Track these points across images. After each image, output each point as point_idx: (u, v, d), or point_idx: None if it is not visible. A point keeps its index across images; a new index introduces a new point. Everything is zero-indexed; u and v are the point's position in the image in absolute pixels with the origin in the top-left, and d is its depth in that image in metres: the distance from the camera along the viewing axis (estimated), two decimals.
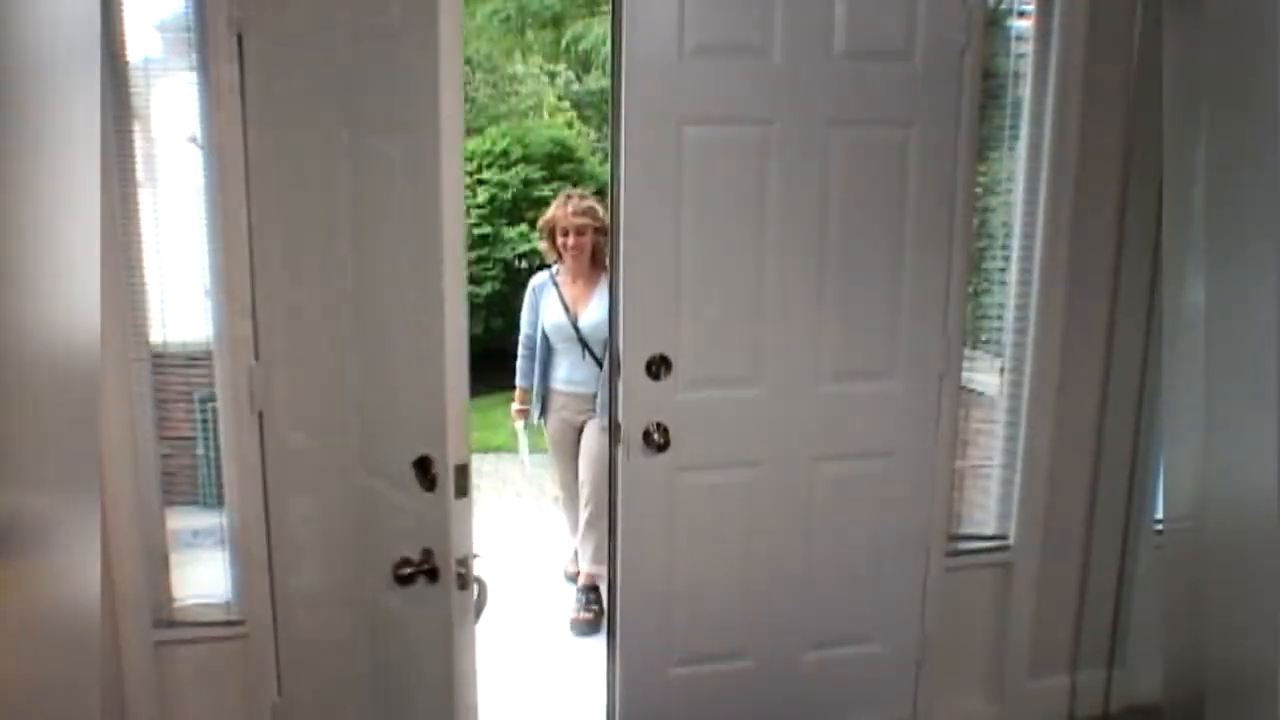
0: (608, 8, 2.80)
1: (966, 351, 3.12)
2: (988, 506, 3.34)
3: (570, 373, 4.17)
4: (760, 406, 2.90)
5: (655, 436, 2.81)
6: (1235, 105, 2.00)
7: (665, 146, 2.70)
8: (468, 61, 11.49)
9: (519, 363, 4.39)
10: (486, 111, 11.21)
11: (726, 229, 2.79)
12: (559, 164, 9.77)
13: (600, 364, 3.96)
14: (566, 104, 11.98)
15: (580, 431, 4.19)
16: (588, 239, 4.06)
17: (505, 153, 9.66)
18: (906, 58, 2.80)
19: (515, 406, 4.46)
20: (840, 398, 2.95)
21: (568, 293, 4.15)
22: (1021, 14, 3.14)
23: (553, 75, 12.25)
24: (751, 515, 2.96)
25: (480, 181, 9.51)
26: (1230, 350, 1.97)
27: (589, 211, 4.08)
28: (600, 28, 10.57)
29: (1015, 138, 3.15)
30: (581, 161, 10.07)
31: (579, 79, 12.21)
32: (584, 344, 4.09)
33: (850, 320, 2.91)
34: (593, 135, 11.44)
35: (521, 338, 4.37)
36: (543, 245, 4.33)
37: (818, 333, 2.89)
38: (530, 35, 11.59)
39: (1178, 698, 2.22)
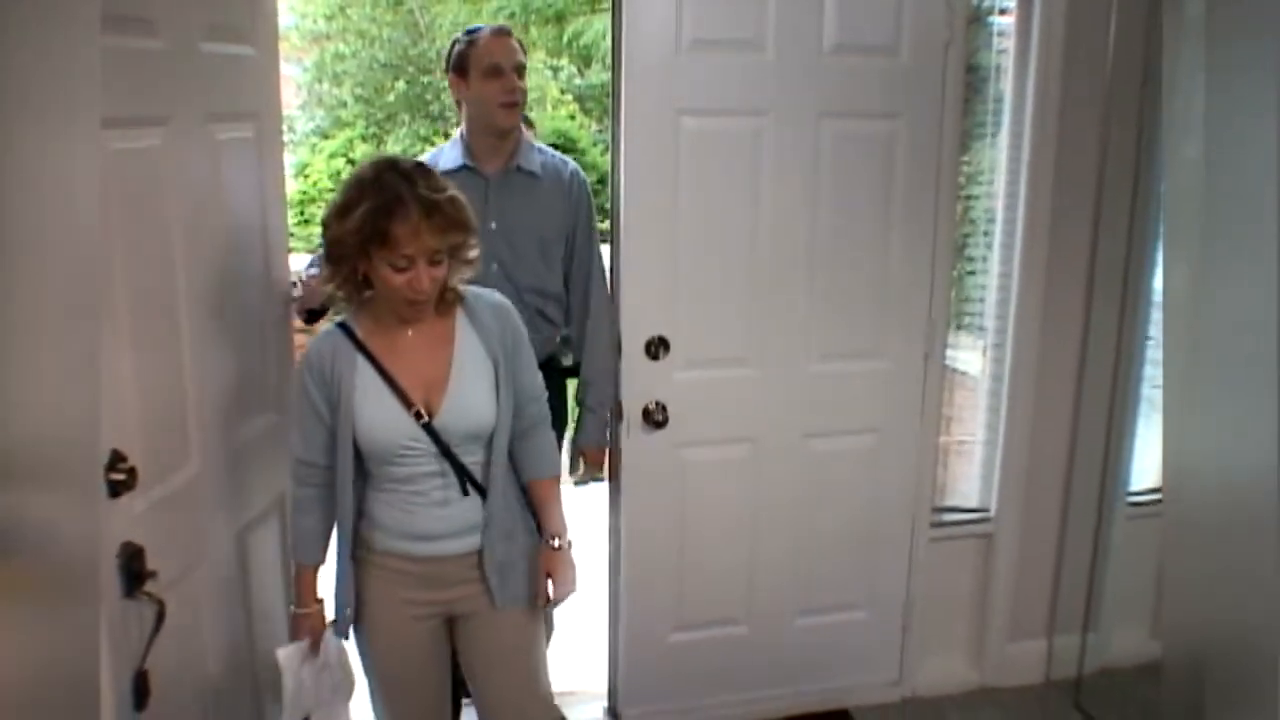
0: (608, 4, 2.79)
1: (950, 333, 3.11)
2: (970, 480, 3.34)
3: (430, 520, 2.08)
4: (754, 385, 2.90)
5: (654, 414, 2.81)
6: (1235, 71, 1.97)
7: (664, 137, 2.69)
8: None
9: (294, 520, 2.20)
10: None
11: (722, 216, 2.78)
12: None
13: (485, 493, 2.10)
14: (569, 97, 11.97)
15: (451, 628, 2.20)
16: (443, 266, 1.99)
17: None
18: (893, 53, 2.78)
19: (296, 610, 2.17)
20: (830, 377, 2.94)
21: (399, 363, 2.04)
22: (1003, 11, 3.12)
23: (555, 70, 12.22)
24: (746, 488, 2.96)
25: None
26: (1228, 322, 1.95)
27: (453, 212, 1.96)
28: (600, 24, 10.53)
29: (997, 129, 3.13)
30: (583, 152, 10.07)
31: (580, 73, 12.19)
32: (454, 462, 2.05)
33: (839, 303, 2.90)
34: (594, 127, 11.43)
35: (292, 466, 2.15)
36: (323, 277, 2.06)
37: (809, 314, 2.89)
38: (534, 31, 11.57)
39: (1176, 665, 2.21)
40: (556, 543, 2.18)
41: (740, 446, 2.94)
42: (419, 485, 2.06)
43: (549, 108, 11.68)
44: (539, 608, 2.20)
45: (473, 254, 2.04)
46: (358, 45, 11.80)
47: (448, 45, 2.83)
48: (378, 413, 2.02)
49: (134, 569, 1.81)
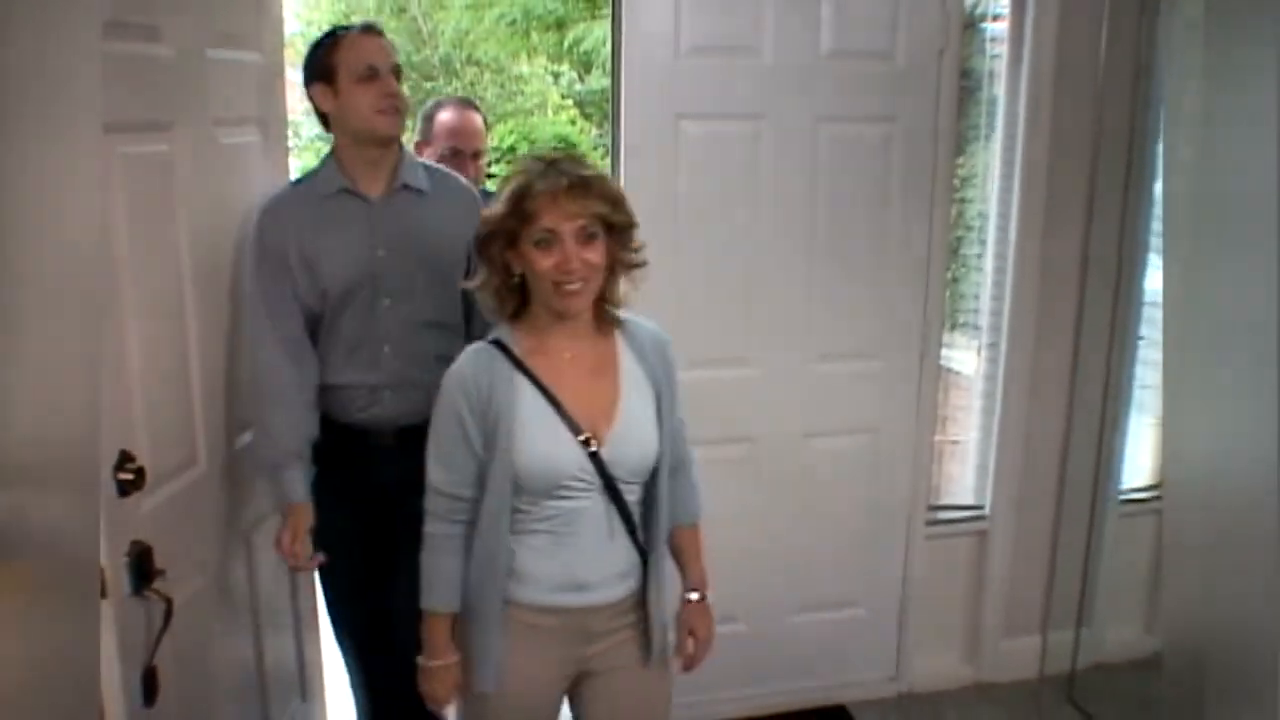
0: (608, 11, 2.78)
1: (946, 333, 3.11)
2: (965, 478, 3.34)
3: (583, 566, 1.82)
4: (753, 385, 2.89)
5: None
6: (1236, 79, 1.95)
7: (663, 141, 2.68)
8: (477, 63, 11.45)
9: (430, 562, 1.83)
10: (494, 110, 11.17)
11: (721, 219, 2.78)
12: None
13: (643, 546, 1.87)
14: (569, 102, 11.94)
15: (575, 684, 1.91)
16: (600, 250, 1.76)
17: (513, 148, 9.65)
18: (889, 58, 2.78)
19: (431, 663, 1.85)
20: (828, 377, 2.94)
21: (562, 386, 1.79)
22: (996, 17, 3.12)
23: (556, 75, 12.20)
24: (745, 487, 2.95)
25: (489, 175, 9.48)
26: (1227, 321, 1.93)
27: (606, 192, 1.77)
28: (600, 30, 10.51)
29: (991, 133, 3.13)
30: (584, 156, 10.06)
31: (581, 79, 12.16)
32: (616, 498, 1.81)
33: (837, 304, 2.90)
34: (594, 132, 11.41)
35: (432, 501, 1.82)
36: (478, 281, 1.84)
37: (806, 315, 2.88)
38: (535, 38, 11.54)
39: (1176, 663, 2.19)
40: (697, 596, 2.00)
41: (740, 446, 2.93)
42: (576, 525, 1.79)
43: (550, 113, 11.67)
44: (678, 664, 2.00)
45: (634, 255, 1.82)
46: None
47: (308, 50, 2.27)
48: (544, 440, 1.75)
49: (142, 567, 1.81)
